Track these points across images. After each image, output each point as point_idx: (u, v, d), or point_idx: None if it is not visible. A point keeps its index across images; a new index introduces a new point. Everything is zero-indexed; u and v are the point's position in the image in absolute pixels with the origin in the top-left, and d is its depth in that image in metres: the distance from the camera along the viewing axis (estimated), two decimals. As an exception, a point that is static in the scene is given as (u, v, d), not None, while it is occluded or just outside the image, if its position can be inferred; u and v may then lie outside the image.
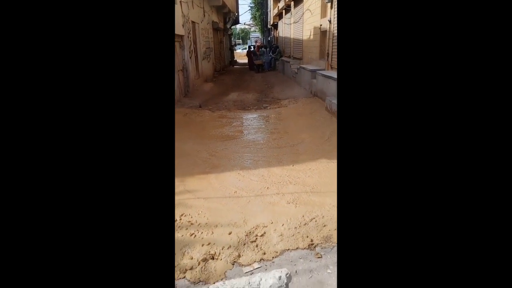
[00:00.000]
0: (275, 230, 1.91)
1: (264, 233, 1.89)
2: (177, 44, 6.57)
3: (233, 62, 17.69)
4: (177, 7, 6.59)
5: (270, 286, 1.26)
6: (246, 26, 34.24)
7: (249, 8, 23.25)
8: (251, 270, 1.62)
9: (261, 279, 1.29)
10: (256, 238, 1.84)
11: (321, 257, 1.67)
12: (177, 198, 2.34)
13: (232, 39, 22.34)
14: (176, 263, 1.66)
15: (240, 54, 24.63)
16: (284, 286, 1.26)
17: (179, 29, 6.62)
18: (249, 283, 1.28)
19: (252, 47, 16.35)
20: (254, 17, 24.17)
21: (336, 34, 6.12)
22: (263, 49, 14.15)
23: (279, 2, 13.14)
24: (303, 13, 8.99)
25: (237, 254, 1.73)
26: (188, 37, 7.38)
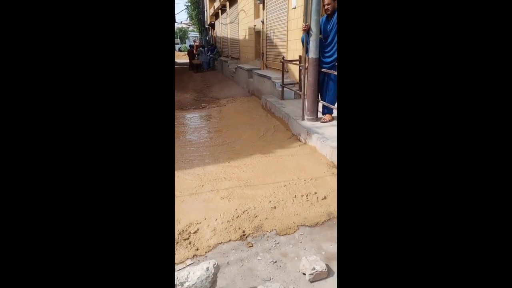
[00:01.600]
0: (208, 225, 1.93)
1: (198, 229, 1.90)
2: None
3: (170, 62, 17.09)
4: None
5: (198, 277, 1.29)
6: (184, 25, 33.37)
7: (185, 7, 22.72)
8: (184, 267, 1.62)
9: (189, 273, 1.30)
10: (189, 236, 1.85)
11: (252, 246, 1.75)
12: (105, 204, 2.21)
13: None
14: (102, 271, 1.59)
15: (178, 54, 23.93)
16: (212, 275, 1.30)
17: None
18: (177, 278, 1.29)
19: (191, 46, 16.04)
20: (190, 16, 23.70)
21: (268, 35, 6.36)
22: (201, 48, 13.99)
23: (214, 2, 13.11)
24: (238, 14, 9.13)
25: (169, 253, 1.71)
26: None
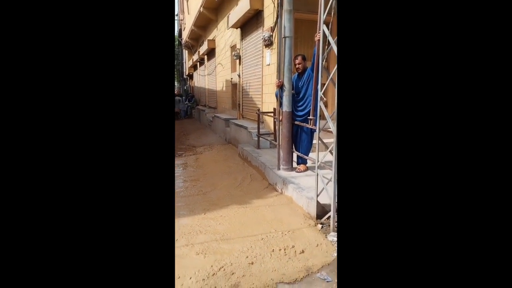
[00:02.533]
0: (182, 285, 1.82)
1: (170, 290, 1.78)
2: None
3: (147, 109, 17.23)
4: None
5: None
6: (162, 75, 34.42)
7: (165, 58, 23.67)
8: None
9: None
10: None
11: (229, 307, 1.66)
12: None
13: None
14: None
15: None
16: None
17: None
18: None
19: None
20: (170, 67, 24.55)
21: (244, 87, 6.70)
22: (178, 97, 14.35)
23: (193, 55, 13.83)
24: (215, 67, 9.63)
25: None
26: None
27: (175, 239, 2.40)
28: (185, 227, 2.62)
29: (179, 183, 4.06)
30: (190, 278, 1.88)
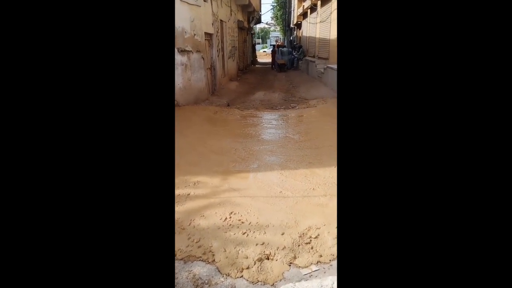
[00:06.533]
0: (329, 232, 1.87)
1: (318, 235, 1.85)
2: (206, 42, 6.63)
3: (254, 61, 17.71)
4: (208, 6, 6.64)
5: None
6: (266, 26, 34.17)
7: (271, 7, 23.21)
8: (310, 272, 1.59)
9: (333, 283, 1.25)
10: (310, 240, 1.81)
11: (382, 263, 1.62)
12: (223, 195, 2.34)
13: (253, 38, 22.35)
14: (232, 262, 1.66)
15: (260, 54, 24.66)
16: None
17: (208, 28, 6.67)
18: (322, 285, 1.25)
19: (273, 46, 16.42)
20: (275, 17, 24.10)
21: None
22: (281, 48, 14.11)
23: (304, 1, 13.02)
24: (331, 13, 8.86)
25: (292, 255, 1.70)
26: (216, 35, 7.42)
27: (312, 188, 2.46)
28: (319, 177, 2.65)
29: (301, 136, 4.10)
30: (336, 227, 1.90)
